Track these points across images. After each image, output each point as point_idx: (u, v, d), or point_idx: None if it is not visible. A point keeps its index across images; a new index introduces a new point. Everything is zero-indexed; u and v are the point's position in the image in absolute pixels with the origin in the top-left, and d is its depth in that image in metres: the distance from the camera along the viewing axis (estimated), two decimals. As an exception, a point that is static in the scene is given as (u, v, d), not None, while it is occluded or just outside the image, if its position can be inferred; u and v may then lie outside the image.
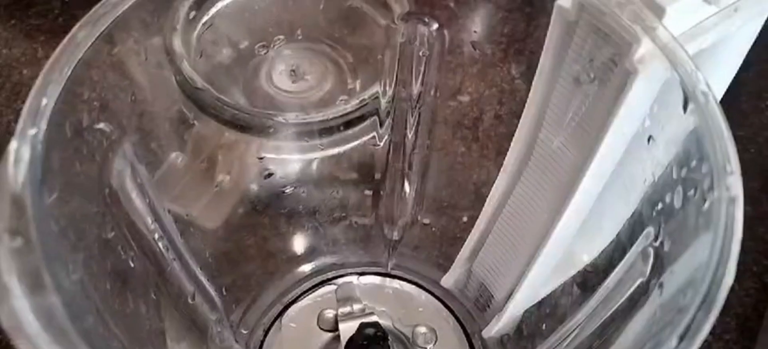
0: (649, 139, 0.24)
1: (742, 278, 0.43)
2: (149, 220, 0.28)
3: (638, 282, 0.24)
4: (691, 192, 0.20)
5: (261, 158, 0.41)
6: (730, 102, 0.51)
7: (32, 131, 0.19)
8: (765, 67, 0.53)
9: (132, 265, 0.27)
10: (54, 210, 0.20)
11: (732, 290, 0.43)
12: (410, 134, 0.40)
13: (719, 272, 0.17)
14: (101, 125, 0.24)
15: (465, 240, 0.38)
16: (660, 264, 0.22)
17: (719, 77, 0.35)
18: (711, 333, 0.41)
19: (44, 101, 0.20)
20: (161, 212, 0.29)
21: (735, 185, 0.19)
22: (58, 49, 0.22)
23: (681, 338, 0.17)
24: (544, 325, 0.32)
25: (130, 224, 0.26)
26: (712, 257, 0.18)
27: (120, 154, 0.25)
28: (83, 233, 0.22)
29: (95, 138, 0.24)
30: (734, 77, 0.45)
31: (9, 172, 0.18)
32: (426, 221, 0.43)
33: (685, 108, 0.21)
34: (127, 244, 0.26)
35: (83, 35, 0.23)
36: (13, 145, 0.18)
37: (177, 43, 0.40)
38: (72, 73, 0.22)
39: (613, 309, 0.25)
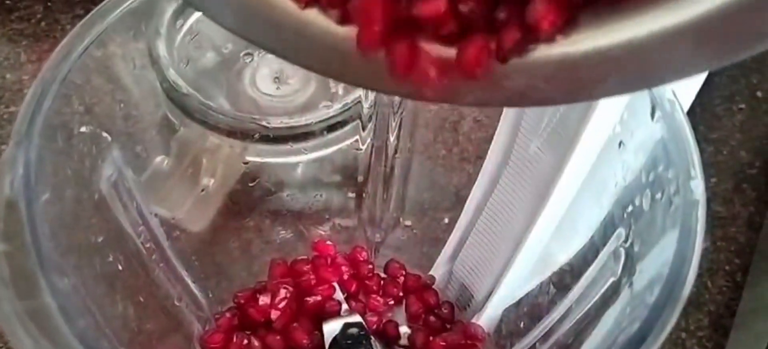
0: (619, 144, 0.25)
1: (715, 277, 0.45)
2: (136, 224, 0.28)
3: (610, 281, 0.25)
4: (659, 195, 0.21)
5: (246, 163, 0.41)
6: (702, 106, 0.52)
7: (25, 140, 0.20)
8: (737, 72, 0.54)
9: (120, 268, 0.27)
10: (46, 215, 0.20)
11: (705, 287, 0.45)
12: (392, 138, 0.41)
13: (684, 269, 0.18)
14: (91, 132, 0.24)
15: (446, 241, 0.39)
16: (631, 264, 0.23)
17: (688, 82, 0.37)
18: (685, 330, 0.42)
19: (37, 109, 0.20)
20: (148, 215, 0.29)
21: (698, 188, 0.19)
22: (50, 59, 0.23)
23: (648, 332, 0.18)
24: (522, 323, 0.33)
25: (119, 228, 0.27)
26: (677, 255, 0.19)
27: (109, 160, 0.26)
28: (74, 237, 0.23)
29: (85, 145, 0.24)
30: (706, 81, 0.47)
31: (3, 178, 0.19)
32: (408, 222, 0.44)
33: (652, 115, 0.22)
34: (116, 248, 0.27)
35: (74, 45, 0.23)
36: (8, 151, 0.19)
37: (161, 49, 0.40)
38: (64, 83, 0.22)
39: (587, 307, 0.26)
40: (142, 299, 0.29)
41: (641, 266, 0.22)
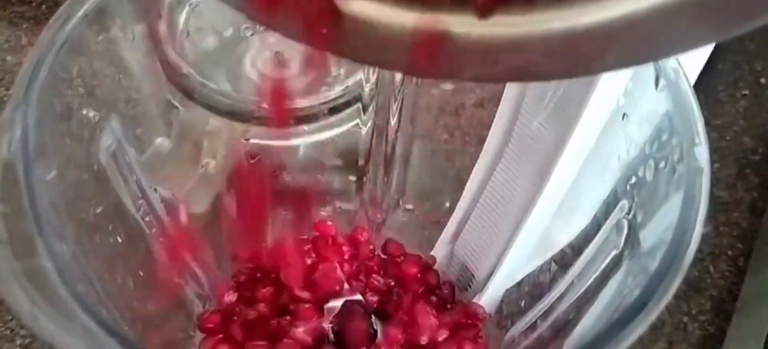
0: (623, 117, 0.25)
1: (718, 262, 0.44)
2: (136, 198, 0.28)
3: (612, 254, 0.24)
4: (662, 164, 0.21)
5: (247, 145, 0.41)
6: (706, 91, 0.52)
7: (23, 105, 0.20)
8: (740, 58, 0.54)
9: (119, 240, 0.27)
10: (44, 181, 0.20)
11: (707, 272, 0.45)
12: (393, 120, 0.41)
13: (687, 236, 0.18)
14: (89, 103, 0.24)
15: (447, 225, 0.39)
16: (633, 235, 0.23)
17: (693, 54, 0.36)
18: (687, 314, 0.42)
19: (35, 74, 0.20)
20: (148, 190, 0.29)
21: (702, 155, 0.19)
22: (46, 28, 0.23)
23: (649, 298, 0.17)
24: (523, 302, 0.33)
25: (118, 201, 0.27)
26: (680, 222, 0.18)
27: (108, 130, 0.25)
28: (74, 206, 0.23)
29: (84, 114, 0.24)
30: (710, 67, 0.47)
31: (1, 140, 0.19)
32: (409, 206, 0.43)
33: (656, 84, 0.22)
34: (115, 220, 0.27)
35: (71, 16, 0.23)
36: (6, 115, 0.19)
37: (162, 29, 0.40)
38: (61, 52, 0.22)
39: (589, 282, 0.26)
40: (141, 274, 0.29)
41: (643, 235, 0.21)
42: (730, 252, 0.45)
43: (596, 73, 0.24)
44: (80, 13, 0.23)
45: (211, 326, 0.34)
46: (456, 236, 0.38)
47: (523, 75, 0.18)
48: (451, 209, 0.39)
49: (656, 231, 0.20)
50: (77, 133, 0.24)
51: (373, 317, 0.34)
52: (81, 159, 0.25)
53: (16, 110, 0.19)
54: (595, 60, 0.16)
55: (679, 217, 0.19)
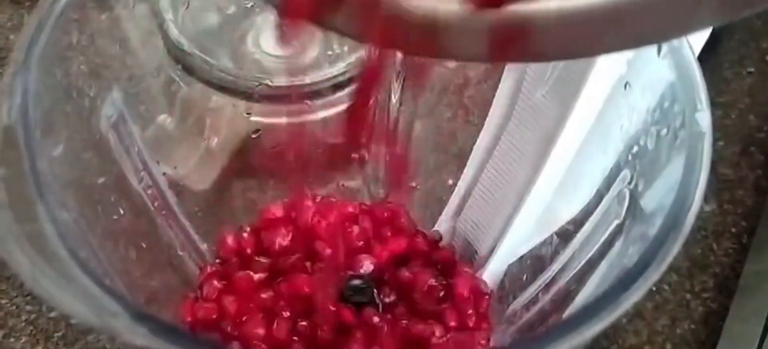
0: (625, 86, 0.25)
1: (721, 239, 0.44)
2: (138, 170, 0.28)
3: (614, 224, 0.24)
4: (664, 131, 0.21)
5: (250, 122, 0.41)
6: (712, 69, 0.52)
7: (23, 70, 0.20)
8: (747, 35, 0.54)
9: (122, 212, 0.27)
10: (45, 148, 0.20)
11: (711, 250, 0.45)
12: (395, 98, 0.41)
13: (688, 199, 0.18)
14: (89, 71, 0.24)
15: (449, 200, 0.39)
16: (634, 204, 0.23)
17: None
18: (690, 291, 0.42)
19: (34, 42, 0.20)
20: (150, 162, 0.29)
21: (704, 120, 0.19)
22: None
23: (650, 261, 0.17)
24: (525, 276, 0.33)
25: (120, 171, 0.27)
26: (681, 187, 0.18)
27: (108, 101, 0.25)
28: (74, 174, 0.23)
29: (84, 82, 0.24)
30: (715, 45, 0.46)
31: (1, 106, 0.19)
32: (412, 183, 0.43)
33: (659, 52, 0.22)
34: (117, 191, 0.27)
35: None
36: (6, 81, 0.19)
37: (164, 6, 0.40)
38: (61, 19, 0.22)
39: (591, 253, 0.26)
40: (144, 245, 0.29)
41: (644, 202, 0.21)
42: (733, 230, 0.45)
43: (595, 55, 0.23)
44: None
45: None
46: (458, 211, 0.38)
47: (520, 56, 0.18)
48: (454, 187, 0.39)
49: (657, 196, 0.20)
50: (78, 102, 0.24)
51: (375, 292, 0.34)
52: (82, 128, 0.25)
53: (16, 76, 0.19)
54: (595, 41, 0.16)
55: (680, 181, 0.19)
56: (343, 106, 0.42)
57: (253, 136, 0.41)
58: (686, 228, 0.18)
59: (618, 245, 0.23)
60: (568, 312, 0.23)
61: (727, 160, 0.47)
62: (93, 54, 0.25)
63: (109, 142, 0.26)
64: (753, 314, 0.40)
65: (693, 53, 0.22)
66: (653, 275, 0.17)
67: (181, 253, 0.33)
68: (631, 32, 0.15)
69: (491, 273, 0.36)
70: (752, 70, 0.52)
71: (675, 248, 0.17)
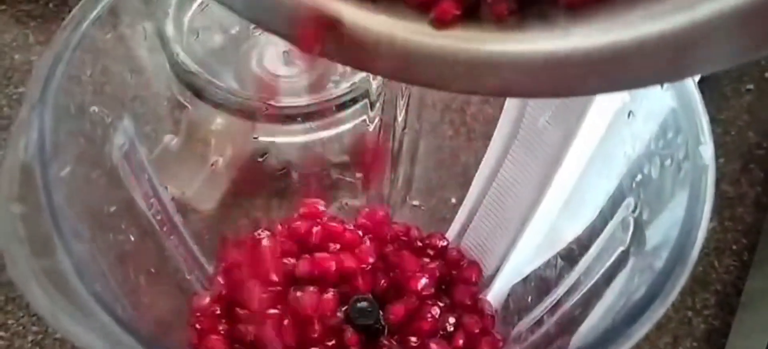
0: (629, 114, 0.25)
1: (722, 256, 0.45)
2: (148, 196, 0.28)
3: (619, 251, 0.25)
4: (668, 162, 0.22)
5: (256, 138, 0.42)
6: (711, 86, 0.52)
7: (40, 105, 0.20)
8: (745, 53, 0.54)
9: (132, 238, 0.27)
10: (61, 181, 0.21)
11: (712, 267, 0.45)
12: (400, 117, 0.41)
13: (693, 233, 0.18)
14: (102, 102, 0.24)
15: (454, 220, 0.39)
16: (639, 233, 0.23)
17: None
18: (691, 309, 0.43)
19: (51, 76, 0.21)
20: (160, 188, 0.30)
21: (707, 153, 0.20)
22: (61, 29, 0.23)
23: (656, 295, 0.18)
24: (529, 298, 0.33)
25: (130, 198, 0.27)
26: (686, 220, 0.19)
27: (120, 129, 0.26)
28: (88, 205, 0.23)
29: (97, 114, 0.24)
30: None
31: (18, 142, 0.19)
32: (415, 202, 0.44)
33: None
34: (127, 219, 0.27)
35: (85, 16, 0.23)
36: (22, 117, 0.19)
37: (169, 28, 0.41)
38: (76, 52, 0.22)
39: (595, 278, 0.26)
40: (153, 271, 0.29)
41: (649, 233, 0.22)
42: (734, 247, 0.45)
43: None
44: (93, 14, 0.23)
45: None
46: (463, 231, 0.38)
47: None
48: (457, 206, 0.39)
49: (662, 229, 0.21)
50: (91, 133, 0.24)
51: (381, 314, 0.34)
52: (95, 158, 0.25)
53: (32, 111, 0.19)
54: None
55: (684, 215, 0.19)
56: (346, 126, 0.42)
57: (260, 159, 0.41)
58: (691, 262, 0.18)
59: (623, 274, 0.23)
60: (574, 341, 0.24)
61: (728, 177, 0.48)
62: (105, 84, 0.25)
63: (120, 170, 0.27)
64: (755, 330, 0.40)
65: (695, 85, 0.22)
66: (660, 309, 0.17)
67: (188, 277, 0.33)
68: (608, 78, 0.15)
69: (495, 293, 0.36)
70: (751, 87, 0.52)
71: (680, 283, 0.18)
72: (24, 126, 0.19)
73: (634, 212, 0.24)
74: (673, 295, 0.18)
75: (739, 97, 0.52)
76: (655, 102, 0.23)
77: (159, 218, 0.30)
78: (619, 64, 0.15)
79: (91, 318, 0.18)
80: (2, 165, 0.19)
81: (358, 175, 0.43)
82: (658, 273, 0.18)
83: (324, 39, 0.18)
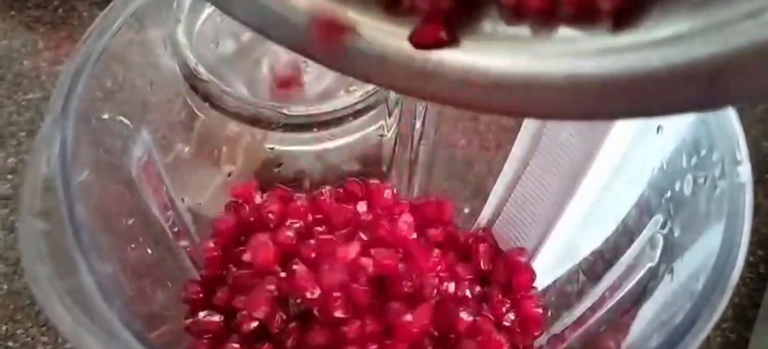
0: (658, 129, 0.25)
1: (738, 269, 0.44)
2: (165, 208, 0.28)
3: (647, 267, 0.24)
4: (702, 180, 0.21)
5: (267, 151, 0.41)
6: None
7: (61, 118, 0.20)
8: (759, 62, 0.54)
9: (149, 252, 0.27)
10: (82, 196, 0.20)
11: (728, 279, 0.44)
12: (418, 124, 0.41)
13: (732, 256, 0.18)
14: (120, 113, 0.24)
15: (467, 231, 0.39)
16: (670, 250, 0.23)
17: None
18: (708, 322, 0.42)
19: (73, 89, 0.20)
20: (176, 200, 0.29)
21: (744, 172, 0.19)
22: (81, 41, 0.23)
23: (696, 319, 0.17)
24: (549, 311, 0.33)
25: (147, 211, 0.27)
26: (725, 242, 0.18)
27: (139, 142, 0.25)
28: (108, 219, 0.23)
29: (116, 126, 0.24)
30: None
31: (40, 156, 0.18)
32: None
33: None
34: (145, 232, 0.27)
35: (105, 28, 0.23)
36: (44, 128, 0.19)
37: (181, 35, 0.40)
38: (96, 66, 0.22)
39: (621, 295, 0.26)
40: (169, 285, 0.29)
41: (684, 254, 0.21)
42: (750, 258, 0.45)
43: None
44: (114, 26, 0.23)
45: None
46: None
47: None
48: (470, 216, 0.39)
49: (700, 252, 0.20)
50: (111, 146, 0.24)
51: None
52: (114, 171, 0.25)
53: (54, 124, 0.19)
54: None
55: (723, 237, 0.19)
56: (359, 134, 0.42)
57: (276, 170, 0.41)
58: (731, 284, 0.18)
59: (659, 294, 0.22)
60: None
61: (743, 188, 0.47)
62: (124, 95, 0.25)
63: (138, 182, 0.26)
64: (772, 344, 0.39)
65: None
66: (701, 333, 0.17)
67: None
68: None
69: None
70: (766, 97, 0.52)
71: (722, 306, 0.17)
72: (46, 140, 0.19)
73: (662, 228, 0.24)
74: (714, 319, 0.17)
75: (752, 107, 0.52)
76: (686, 117, 0.22)
77: (176, 230, 0.29)
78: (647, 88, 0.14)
79: (113, 338, 0.17)
80: (23, 179, 0.18)
81: (373, 183, 0.43)
82: (698, 297, 0.18)
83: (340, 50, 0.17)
